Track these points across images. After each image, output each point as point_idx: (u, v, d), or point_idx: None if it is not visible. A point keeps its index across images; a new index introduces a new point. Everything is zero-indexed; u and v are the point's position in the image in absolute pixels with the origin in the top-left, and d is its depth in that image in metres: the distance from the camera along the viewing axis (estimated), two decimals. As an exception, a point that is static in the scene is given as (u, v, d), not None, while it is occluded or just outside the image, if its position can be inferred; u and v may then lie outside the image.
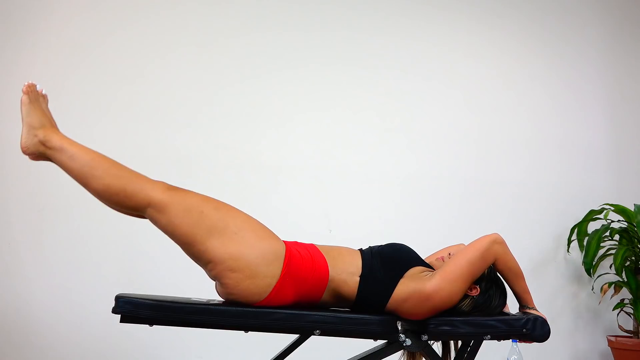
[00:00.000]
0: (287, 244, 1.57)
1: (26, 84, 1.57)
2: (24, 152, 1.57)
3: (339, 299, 1.60)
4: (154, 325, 1.50)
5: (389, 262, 1.62)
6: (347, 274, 1.57)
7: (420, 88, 3.08)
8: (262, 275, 1.47)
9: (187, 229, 1.48)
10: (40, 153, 1.56)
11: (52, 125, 1.58)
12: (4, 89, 2.50)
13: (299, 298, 1.55)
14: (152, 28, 2.72)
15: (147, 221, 2.53)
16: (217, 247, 1.46)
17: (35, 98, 1.59)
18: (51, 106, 2.54)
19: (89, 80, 2.60)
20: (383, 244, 1.74)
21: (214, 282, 1.58)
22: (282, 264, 1.49)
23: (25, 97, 1.58)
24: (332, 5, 2.98)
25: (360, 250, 1.68)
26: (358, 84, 2.96)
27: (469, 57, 3.19)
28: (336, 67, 2.95)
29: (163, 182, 1.53)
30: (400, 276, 1.59)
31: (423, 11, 3.13)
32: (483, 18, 3.24)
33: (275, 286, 1.49)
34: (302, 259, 1.54)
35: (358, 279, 1.58)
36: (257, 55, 2.84)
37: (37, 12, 2.57)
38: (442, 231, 2.91)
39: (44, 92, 1.62)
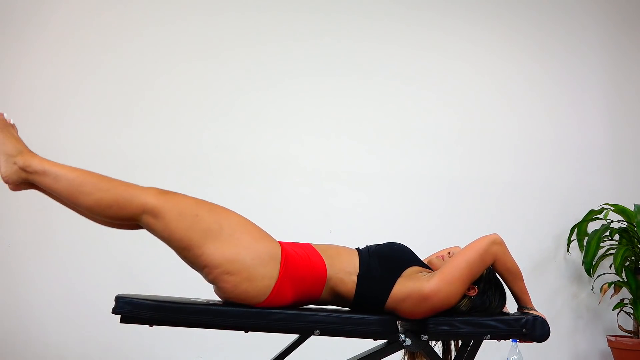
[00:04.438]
0: (282, 244, 1.56)
1: None
2: (6, 182, 1.48)
3: (338, 297, 1.60)
4: (154, 326, 1.51)
5: (386, 261, 1.62)
6: (345, 274, 1.58)
7: (421, 89, 3.08)
8: (259, 277, 1.46)
9: (183, 233, 1.45)
10: (22, 180, 1.49)
11: (29, 150, 1.50)
12: (5, 90, 2.50)
13: (298, 297, 1.55)
14: (154, 31, 2.72)
15: (147, 221, 2.55)
16: (212, 251, 1.45)
17: (5, 126, 1.52)
18: (54, 105, 2.55)
19: (90, 82, 2.60)
20: (380, 243, 1.74)
21: (213, 286, 1.58)
22: (279, 265, 1.49)
23: None
24: (328, 15, 2.98)
25: (358, 249, 1.68)
26: (356, 86, 2.97)
27: (469, 58, 3.19)
28: (335, 70, 2.95)
29: (154, 188, 1.49)
30: (398, 276, 1.59)
31: (418, 16, 3.13)
32: (479, 21, 3.24)
33: (274, 287, 1.49)
34: (299, 259, 1.53)
35: (356, 278, 1.58)
36: (257, 57, 2.84)
37: (39, 13, 2.57)
38: (442, 231, 2.91)
39: (12, 122, 1.55)
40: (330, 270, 1.56)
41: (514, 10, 3.31)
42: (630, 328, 2.99)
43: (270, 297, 1.49)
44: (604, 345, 3.10)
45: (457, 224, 2.98)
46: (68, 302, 2.43)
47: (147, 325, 1.50)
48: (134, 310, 1.46)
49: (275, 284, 1.48)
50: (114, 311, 1.46)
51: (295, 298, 1.55)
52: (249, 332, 1.55)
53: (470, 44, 3.20)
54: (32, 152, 1.50)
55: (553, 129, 3.27)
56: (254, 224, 1.54)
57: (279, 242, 1.57)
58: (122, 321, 1.47)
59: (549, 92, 3.31)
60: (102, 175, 1.49)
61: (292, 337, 1.76)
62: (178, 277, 2.56)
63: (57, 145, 2.51)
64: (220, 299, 1.61)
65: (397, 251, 1.68)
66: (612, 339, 2.89)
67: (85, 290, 2.44)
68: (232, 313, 1.51)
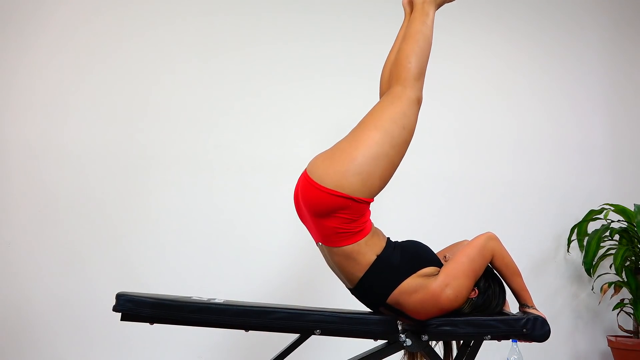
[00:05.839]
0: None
1: None
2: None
3: (351, 263, 1.61)
4: (155, 324, 1.51)
5: (407, 256, 1.65)
6: (370, 248, 1.61)
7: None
8: (351, 180, 1.55)
9: (390, 116, 1.65)
10: (410, 3, 1.91)
11: (438, 6, 1.86)
12: (5, 90, 2.50)
13: (332, 226, 1.57)
14: (154, 32, 2.72)
15: (147, 221, 2.55)
16: (373, 134, 1.62)
17: None
18: (54, 105, 2.55)
19: (90, 82, 2.60)
20: (405, 240, 1.75)
21: None
22: (360, 197, 1.56)
23: None
24: (328, 17, 2.98)
25: (388, 238, 1.71)
26: (357, 87, 2.96)
27: (469, 59, 3.19)
28: (335, 71, 2.95)
29: (422, 90, 1.70)
30: (413, 272, 1.61)
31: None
32: (479, 21, 3.24)
33: (340, 193, 1.54)
34: (366, 217, 1.62)
35: (375, 257, 1.60)
36: (257, 57, 2.84)
37: (39, 13, 2.57)
38: (441, 231, 2.90)
39: None
40: (367, 238, 1.61)
41: (514, 11, 3.32)
42: (630, 328, 2.99)
43: (331, 191, 1.54)
44: (604, 345, 3.11)
45: (456, 224, 2.98)
46: (68, 301, 2.43)
47: (148, 324, 1.50)
48: (135, 307, 1.46)
49: (346, 195, 1.54)
50: (115, 309, 1.46)
51: (331, 223, 1.57)
52: (249, 331, 1.55)
53: (470, 45, 3.20)
54: (437, 7, 1.86)
55: (553, 129, 3.27)
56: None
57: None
58: (122, 319, 1.48)
59: (549, 92, 3.31)
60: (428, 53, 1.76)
61: (292, 337, 1.76)
62: (179, 277, 2.57)
63: (57, 145, 2.51)
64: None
65: (419, 249, 1.72)
66: (612, 339, 2.89)
67: (85, 290, 2.44)
68: (232, 312, 1.51)
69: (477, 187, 3.07)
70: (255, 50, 2.84)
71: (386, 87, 1.84)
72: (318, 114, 2.88)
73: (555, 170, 3.23)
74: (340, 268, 1.65)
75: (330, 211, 1.56)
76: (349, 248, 1.59)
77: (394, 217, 2.90)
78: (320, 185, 1.56)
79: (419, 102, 1.69)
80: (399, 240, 1.74)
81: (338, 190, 1.54)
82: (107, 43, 2.64)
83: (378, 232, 1.69)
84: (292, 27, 2.92)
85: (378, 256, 1.61)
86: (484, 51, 3.23)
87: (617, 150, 3.38)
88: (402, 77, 1.69)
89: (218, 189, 2.69)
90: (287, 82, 2.87)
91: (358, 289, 1.64)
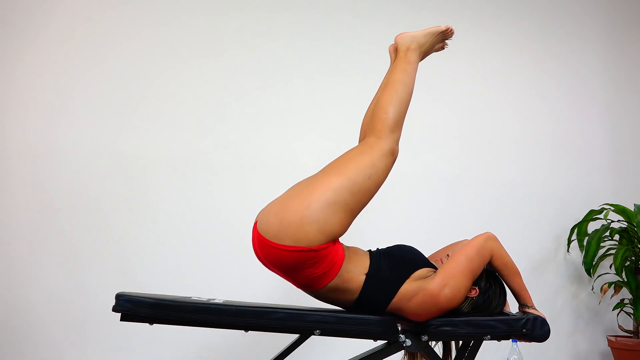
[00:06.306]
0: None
1: (452, 29, 1.85)
2: (396, 37, 1.82)
3: (341, 293, 1.60)
4: (154, 324, 1.51)
5: (396, 263, 1.64)
6: (355, 273, 1.59)
7: (420, 89, 3.07)
8: (307, 230, 1.49)
9: (357, 164, 1.59)
10: (396, 50, 1.81)
11: (424, 55, 1.85)
12: (4, 90, 2.50)
13: (304, 276, 1.55)
14: (154, 30, 2.72)
15: (146, 221, 2.55)
16: (333, 179, 1.55)
17: (442, 39, 1.87)
18: (54, 105, 2.55)
19: (90, 82, 2.60)
20: (391, 245, 1.74)
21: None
22: (321, 245, 1.51)
23: (445, 29, 1.83)
24: (329, 16, 2.98)
25: (370, 251, 1.69)
26: (357, 86, 2.96)
27: (469, 59, 3.19)
28: (336, 70, 2.95)
29: (397, 141, 1.67)
30: (407, 277, 1.61)
31: (418, 17, 3.12)
32: (479, 21, 3.24)
33: (299, 248, 1.49)
34: (333, 253, 1.56)
35: (364, 277, 1.59)
36: (257, 57, 2.84)
37: (39, 13, 2.57)
38: (440, 231, 2.91)
39: (446, 47, 1.91)
40: (345, 264, 1.58)
41: (514, 11, 3.31)
42: (630, 328, 2.99)
43: (290, 248, 1.50)
44: (604, 345, 3.10)
45: (456, 224, 2.97)
46: (68, 302, 2.43)
47: (147, 324, 1.50)
48: (134, 308, 1.46)
49: (303, 247, 1.49)
50: (115, 309, 1.46)
51: (302, 273, 1.54)
52: (249, 331, 1.55)
53: (470, 44, 3.19)
54: (422, 58, 1.84)
55: (553, 129, 3.27)
56: (357, 214, 1.61)
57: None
58: (122, 319, 1.48)
59: (549, 92, 3.31)
60: (407, 106, 1.72)
61: (292, 337, 1.76)
62: (178, 277, 2.57)
63: (56, 146, 2.51)
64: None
65: (407, 253, 1.71)
66: (612, 339, 2.89)
67: (85, 290, 2.44)
68: (232, 312, 1.51)
69: (477, 187, 3.06)
70: (255, 50, 2.84)
71: (364, 136, 1.77)
72: (318, 114, 2.88)
73: (555, 170, 3.23)
74: (333, 301, 1.64)
75: (296, 265, 1.52)
76: (332, 283, 1.56)
77: (394, 218, 2.90)
78: (277, 244, 1.50)
79: (393, 154, 1.64)
80: (380, 248, 1.73)
81: (296, 245, 1.48)
82: (107, 43, 2.64)
83: (356, 251, 1.66)
84: (292, 27, 2.92)
85: (367, 275, 1.59)
86: (484, 51, 3.23)
87: (617, 150, 3.38)
88: (377, 128, 1.65)
89: (218, 189, 2.69)
90: (287, 82, 2.87)
91: (356, 308, 1.63)
